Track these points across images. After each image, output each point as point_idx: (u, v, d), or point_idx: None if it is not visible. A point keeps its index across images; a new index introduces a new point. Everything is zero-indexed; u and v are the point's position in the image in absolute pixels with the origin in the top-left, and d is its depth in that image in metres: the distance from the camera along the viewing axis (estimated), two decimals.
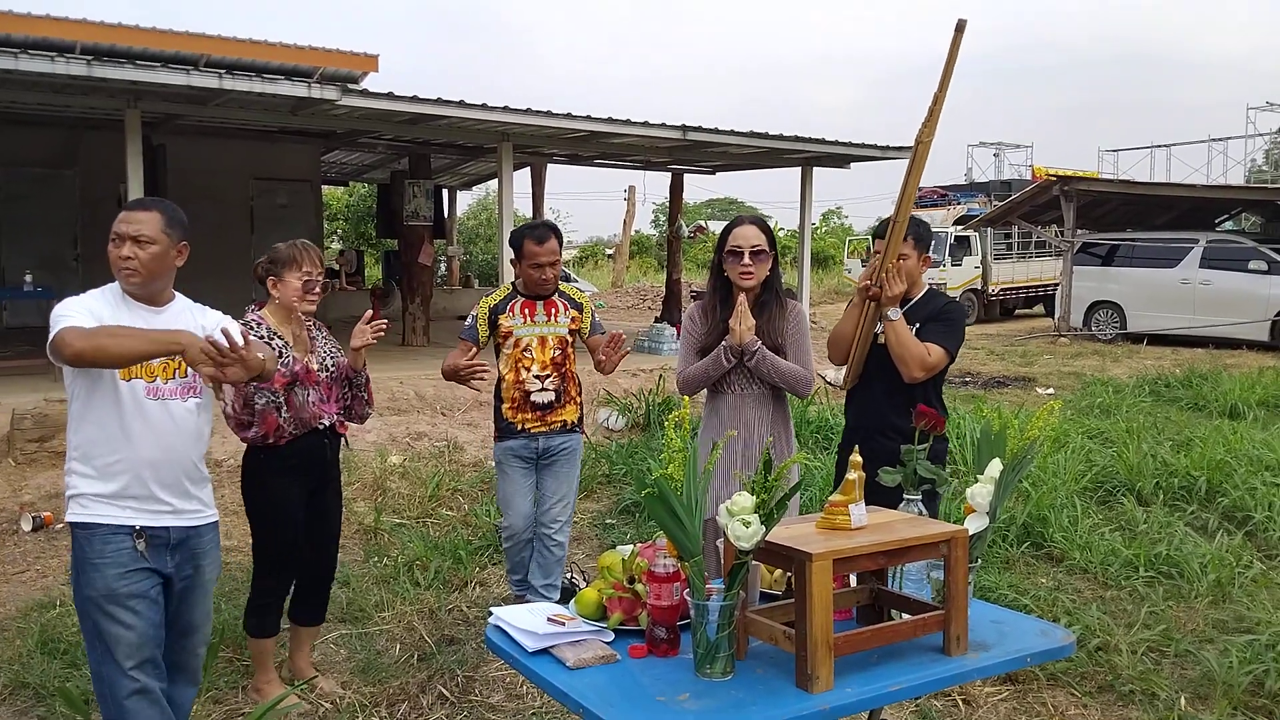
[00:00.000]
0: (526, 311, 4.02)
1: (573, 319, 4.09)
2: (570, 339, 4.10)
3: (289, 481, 3.45)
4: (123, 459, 2.64)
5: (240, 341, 2.48)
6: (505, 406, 4.06)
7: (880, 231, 3.51)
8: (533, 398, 4.00)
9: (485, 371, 4.00)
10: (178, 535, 2.73)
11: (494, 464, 4.14)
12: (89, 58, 7.79)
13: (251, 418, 3.36)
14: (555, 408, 4.04)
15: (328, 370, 3.52)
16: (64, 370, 2.66)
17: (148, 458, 2.66)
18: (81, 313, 2.59)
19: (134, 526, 2.66)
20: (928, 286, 3.55)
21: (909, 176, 3.22)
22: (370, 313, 3.53)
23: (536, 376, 3.99)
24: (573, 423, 4.13)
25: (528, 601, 3.76)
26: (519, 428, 4.03)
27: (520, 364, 4.00)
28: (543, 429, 4.04)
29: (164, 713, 2.70)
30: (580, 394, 4.21)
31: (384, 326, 3.52)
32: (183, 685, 2.89)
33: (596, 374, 4.27)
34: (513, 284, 4.14)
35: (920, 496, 2.47)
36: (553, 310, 4.05)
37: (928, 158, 3.18)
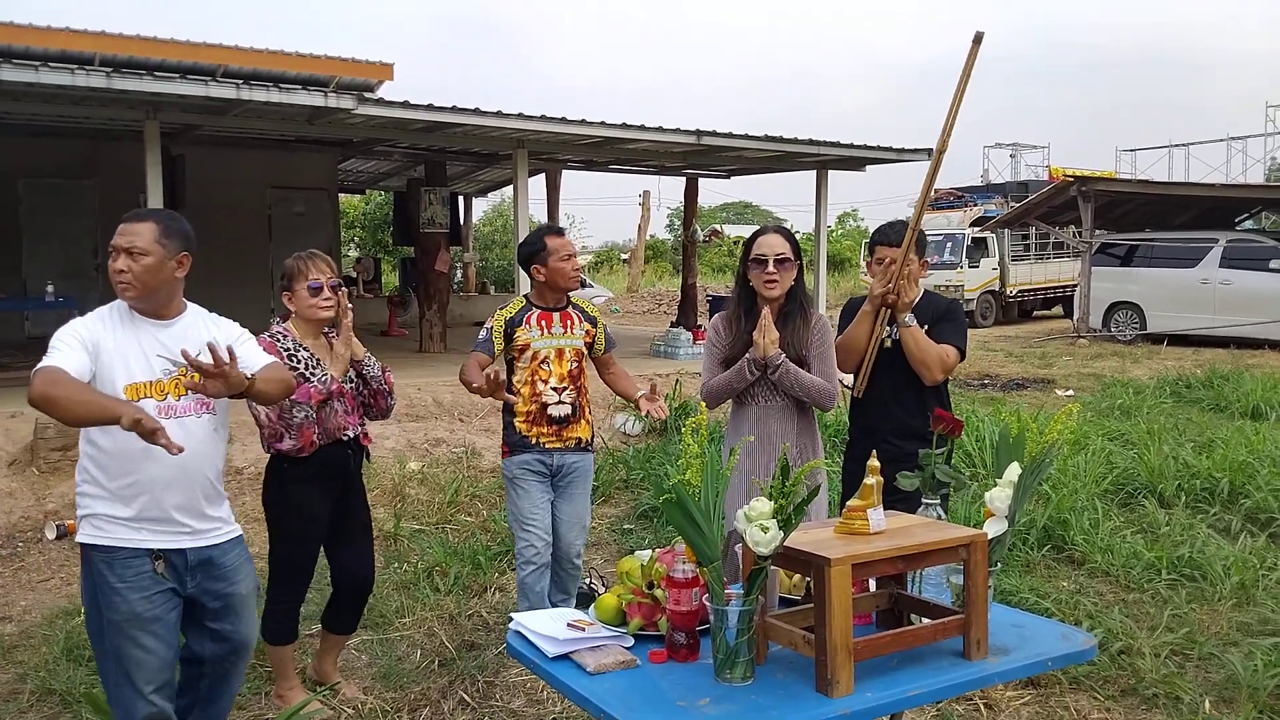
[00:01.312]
0: (543, 323, 3.95)
1: (586, 332, 4.03)
2: (584, 352, 4.03)
3: (312, 490, 3.47)
4: (138, 480, 2.59)
5: (225, 357, 2.44)
6: (519, 421, 3.93)
7: (881, 239, 3.55)
8: (549, 411, 3.90)
9: (506, 397, 3.86)
10: (196, 557, 2.70)
11: (505, 480, 4.01)
12: (108, 70, 7.87)
13: (286, 430, 3.35)
14: (571, 422, 3.94)
15: (351, 381, 3.54)
16: None
17: (164, 478, 2.61)
18: (72, 345, 2.52)
19: (152, 549, 2.62)
20: (923, 289, 3.59)
21: (929, 185, 3.25)
22: (350, 306, 3.48)
23: (554, 389, 3.90)
24: (586, 440, 4.03)
25: None
26: (533, 441, 3.92)
27: (537, 377, 3.91)
28: (557, 445, 3.93)
29: None
30: (590, 410, 4.11)
31: (349, 306, 3.44)
32: (225, 699, 2.91)
33: (610, 379, 4.26)
34: (526, 297, 4.08)
35: (939, 500, 2.47)
36: (568, 322, 3.99)
37: (941, 165, 3.21)
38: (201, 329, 2.74)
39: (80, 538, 2.66)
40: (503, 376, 3.85)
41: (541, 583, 3.94)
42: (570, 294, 4.09)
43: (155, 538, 2.62)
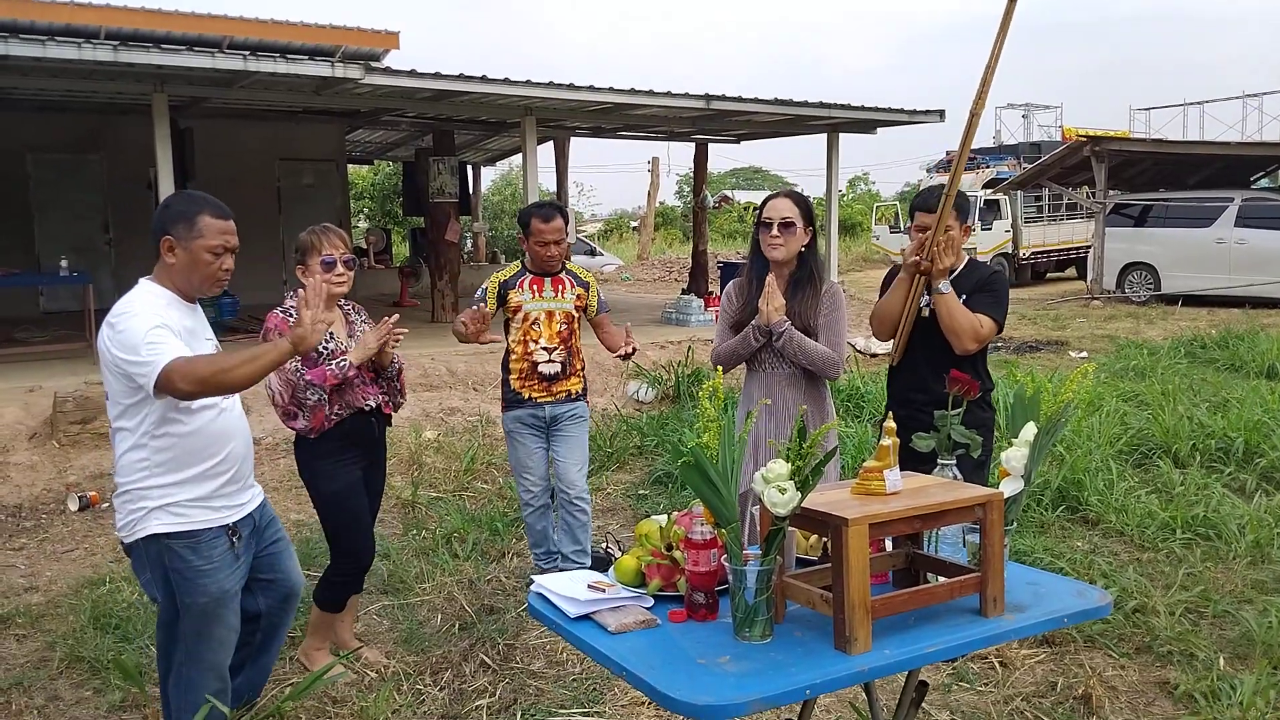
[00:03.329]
0: (535, 287, 4.22)
1: (578, 296, 4.28)
2: (576, 315, 4.28)
3: (343, 460, 3.49)
4: (228, 455, 2.72)
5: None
6: (513, 378, 4.25)
7: (920, 204, 3.48)
8: (540, 369, 4.20)
9: (490, 338, 4.08)
10: (258, 516, 2.88)
11: (504, 434, 4.36)
12: (115, 43, 7.85)
13: (299, 410, 3.38)
14: (560, 379, 4.23)
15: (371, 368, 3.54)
16: (117, 389, 2.59)
17: (242, 449, 2.79)
18: (170, 341, 2.51)
19: (228, 524, 2.74)
20: (968, 257, 3.54)
21: (964, 148, 3.21)
22: (397, 317, 3.48)
23: (544, 349, 4.19)
24: (577, 392, 4.31)
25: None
26: (525, 397, 4.22)
27: (528, 337, 4.20)
28: (548, 399, 4.23)
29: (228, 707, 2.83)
30: (584, 368, 4.39)
31: (403, 333, 3.47)
32: (274, 649, 3.07)
33: (602, 337, 4.43)
34: (522, 262, 4.33)
35: (954, 461, 2.47)
36: (560, 287, 4.25)
37: (977, 128, 3.19)
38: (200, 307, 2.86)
39: (155, 528, 2.63)
40: (490, 317, 4.09)
41: (543, 522, 4.38)
42: (565, 261, 4.33)
43: (230, 512, 2.75)
